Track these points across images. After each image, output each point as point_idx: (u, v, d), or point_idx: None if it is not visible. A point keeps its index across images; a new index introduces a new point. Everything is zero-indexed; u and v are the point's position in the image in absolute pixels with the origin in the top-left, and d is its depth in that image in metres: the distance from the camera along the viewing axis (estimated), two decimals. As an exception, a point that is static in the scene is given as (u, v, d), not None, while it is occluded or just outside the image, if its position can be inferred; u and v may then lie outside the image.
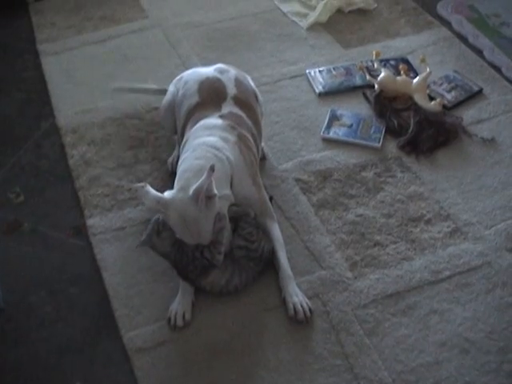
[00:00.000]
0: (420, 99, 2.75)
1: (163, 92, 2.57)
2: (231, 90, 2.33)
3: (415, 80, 2.81)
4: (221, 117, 2.22)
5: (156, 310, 2.09)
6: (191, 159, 2.05)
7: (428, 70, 2.82)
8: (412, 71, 2.95)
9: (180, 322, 2.03)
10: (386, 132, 2.68)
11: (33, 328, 2.09)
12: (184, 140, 2.22)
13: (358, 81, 2.95)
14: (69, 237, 2.36)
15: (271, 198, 2.34)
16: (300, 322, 2.03)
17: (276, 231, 2.21)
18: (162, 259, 2.06)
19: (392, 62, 3.02)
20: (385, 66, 2.96)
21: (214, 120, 2.21)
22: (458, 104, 2.80)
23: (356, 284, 2.14)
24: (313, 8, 3.43)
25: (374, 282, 2.14)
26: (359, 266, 2.20)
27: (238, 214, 2.13)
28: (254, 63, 3.10)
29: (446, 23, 3.32)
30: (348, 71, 3.00)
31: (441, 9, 3.41)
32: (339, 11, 3.41)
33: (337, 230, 2.32)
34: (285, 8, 3.48)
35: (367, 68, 2.94)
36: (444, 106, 2.76)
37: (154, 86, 2.76)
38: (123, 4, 3.59)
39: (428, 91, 2.81)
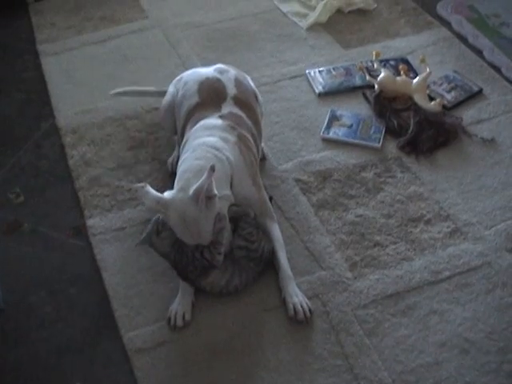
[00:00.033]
0: (420, 99, 2.75)
1: (162, 94, 2.57)
2: (231, 90, 2.33)
3: (415, 80, 2.81)
4: (221, 117, 2.22)
5: (156, 311, 2.09)
6: (191, 159, 2.05)
7: (428, 70, 2.82)
8: (412, 71, 2.95)
9: (180, 323, 2.03)
10: (385, 132, 2.68)
11: (33, 328, 2.09)
12: (184, 140, 2.22)
13: (357, 81, 2.95)
14: (69, 237, 2.37)
15: (271, 199, 2.34)
16: (300, 323, 2.03)
17: (276, 231, 2.21)
18: (161, 259, 2.06)
19: (392, 63, 3.02)
20: (385, 66, 2.96)
21: (213, 120, 2.21)
22: (458, 104, 2.80)
23: (356, 284, 2.14)
24: (312, 8, 3.43)
25: (373, 283, 2.14)
26: (359, 267, 2.20)
27: (238, 214, 2.13)
28: (253, 63, 3.10)
29: (446, 23, 3.32)
30: (348, 71, 3.00)
31: (441, 9, 3.41)
32: (339, 11, 3.41)
33: (337, 230, 2.32)
34: (285, 8, 3.48)
35: (367, 68, 2.94)
36: (444, 107, 2.76)
37: (153, 88, 2.76)
38: (123, 4, 3.59)
39: (428, 91, 2.81)
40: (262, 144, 2.51)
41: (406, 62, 3.02)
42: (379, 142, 2.63)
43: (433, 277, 2.15)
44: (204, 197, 1.89)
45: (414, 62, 3.00)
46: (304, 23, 3.35)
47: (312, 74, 3.01)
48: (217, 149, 2.08)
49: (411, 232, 2.30)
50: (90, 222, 2.38)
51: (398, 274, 2.16)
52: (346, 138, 2.66)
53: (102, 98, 2.92)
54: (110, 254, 2.27)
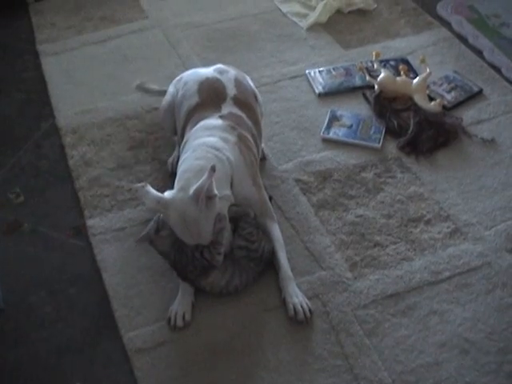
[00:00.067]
0: (420, 100, 2.75)
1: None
2: (231, 90, 2.33)
3: (415, 80, 2.81)
4: (221, 117, 2.22)
5: (156, 311, 2.09)
6: (191, 160, 2.05)
7: (428, 70, 2.82)
8: (412, 72, 2.95)
9: (180, 323, 2.03)
10: (385, 132, 2.68)
11: (33, 328, 2.09)
12: (184, 140, 2.22)
13: (357, 81, 2.95)
14: (69, 237, 2.36)
15: (271, 198, 2.34)
16: (300, 323, 2.03)
17: (276, 231, 2.21)
18: (161, 260, 2.06)
19: (392, 63, 3.02)
20: (385, 66, 2.96)
21: (213, 120, 2.21)
22: (458, 104, 2.80)
23: (356, 284, 2.14)
24: (312, 8, 3.43)
25: (373, 283, 2.14)
26: (359, 267, 2.20)
27: (238, 214, 2.13)
28: (253, 63, 3.10)
29: (446, 24, 3.32)
30: (348, 72, 3.00)
31: (441, 9, 3.41)
32: (339, 12, 3.41)
33: (337, 230, 2.32)
34: (285, 8, 3.48)
35: (367, 68, 2.94)
36: (444, 107, 2.76)
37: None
38: (123, 4, 3.59)
39: (428, 92, 2.82)
40: (262, 144, 2.51)
41: (406, 62, 3.02)
42: (379, 143, 2.63)
43: (433, 277, 2.15)
44: (204, 197, 1.89)
45: (414, 63, 3.01)
46: (304, 23, 3.35)
47: (312, 74, 3.01)
48: (217, 149, 2.08)
49: (411, 232, 2.30)
50: (90, 222, 2.38)
51: (398, 274, 2.16)
52: (346, 139, 2.66)
53: (102, 98, 2.92)
54: (110, 254, 2.27)
